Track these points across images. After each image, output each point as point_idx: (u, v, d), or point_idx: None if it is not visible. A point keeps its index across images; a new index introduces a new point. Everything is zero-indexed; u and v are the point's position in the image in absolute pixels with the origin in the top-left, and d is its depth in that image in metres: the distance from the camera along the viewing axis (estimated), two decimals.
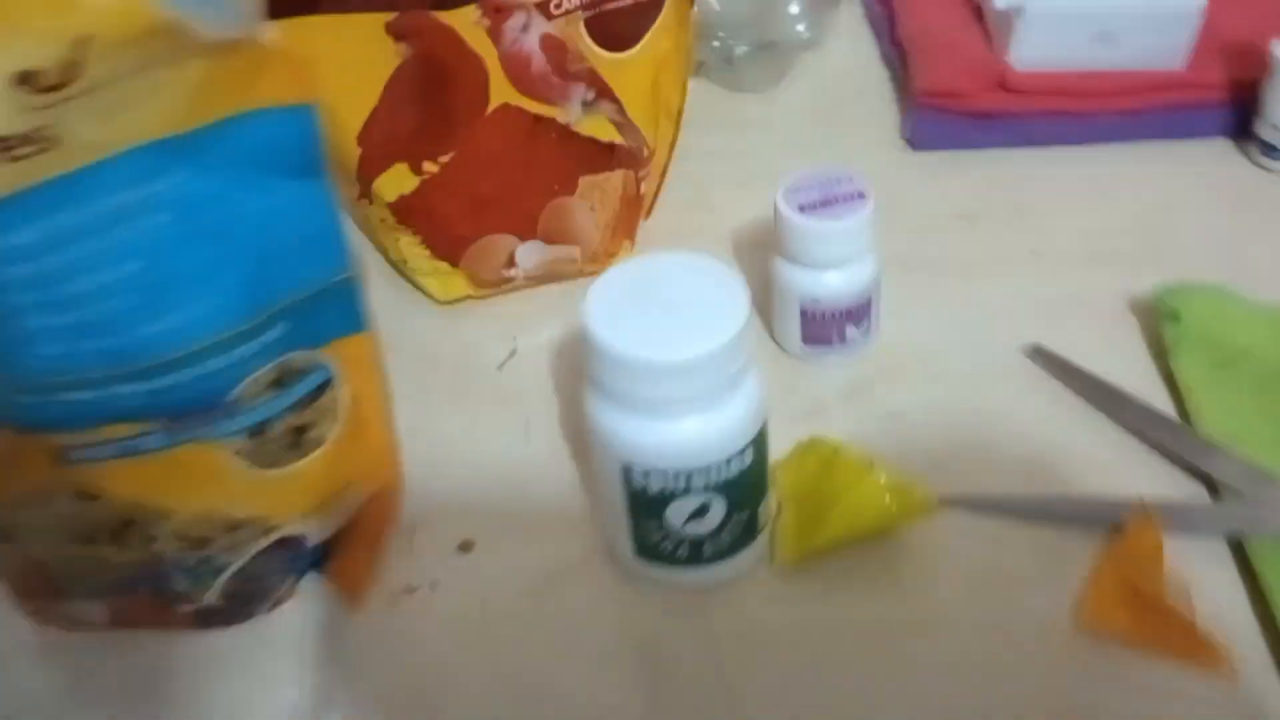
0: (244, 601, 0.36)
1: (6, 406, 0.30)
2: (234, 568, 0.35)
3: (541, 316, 0.46)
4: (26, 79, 0.24)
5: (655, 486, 0.33)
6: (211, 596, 0.35)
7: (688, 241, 0.46)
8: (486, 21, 0.41)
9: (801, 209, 0.40)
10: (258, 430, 0.32)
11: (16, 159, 0.25)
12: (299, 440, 0.33)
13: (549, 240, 0.46)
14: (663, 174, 0.50)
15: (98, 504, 0.32)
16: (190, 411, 0.30)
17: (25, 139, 0.25)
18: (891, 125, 0.54)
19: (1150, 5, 0.51)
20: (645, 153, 0.46)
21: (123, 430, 0.30)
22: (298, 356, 0.31)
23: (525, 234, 0.45)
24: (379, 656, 0.36)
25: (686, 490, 0.33)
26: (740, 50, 0.56)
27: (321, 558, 0.37)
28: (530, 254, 0.46)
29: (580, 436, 0.37)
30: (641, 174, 0.47)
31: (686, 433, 0.33)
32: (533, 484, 0.40)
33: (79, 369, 0.28)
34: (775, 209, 0.41)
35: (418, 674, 0.35)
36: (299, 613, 0.37)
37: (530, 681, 0.35)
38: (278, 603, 0.37)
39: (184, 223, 0.28)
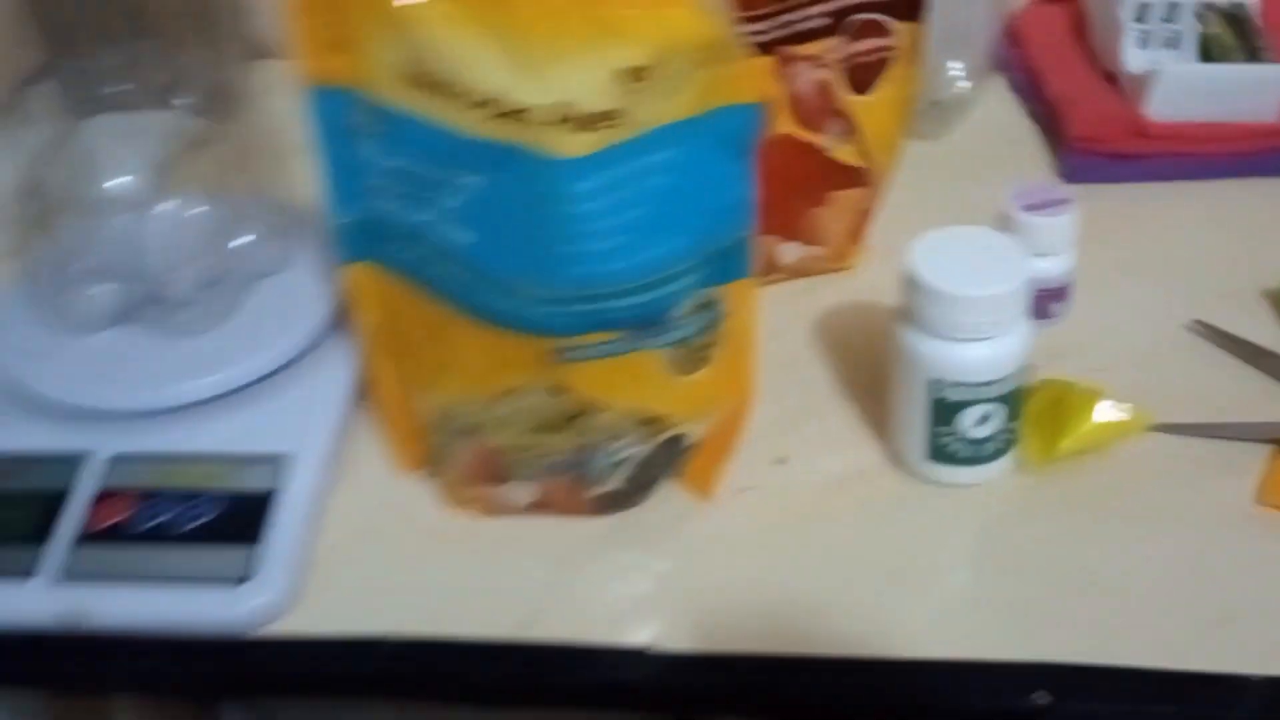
0: (637, 489, 0.47)
1: (525, 315, 0.41)
2: (639, 458, 0.46)
3: (799, 298, 0.58)
4: (625, 74, 0.36)
5: (953, 396, 0.45)
6: (616, 482, 0.47)
7: (904, 241, 0.58)
8: (779, 67, 0.54)
9: (1025, 209, 0.53)
10: (680, 343, 0.44)
11: (597, 129, 0.37)
12: (702, 356, 0.45)
13: (804, 241, 0.58)
14: (883, 193, 0.62)
15: (562, 398, 0.44)
16: (646, 324, 0.42)
17: (606, 115, 0.37)
18: (1044, 165, 0.67)
19: (1248, 71, 0.65)
20: (877, 175, 0.59)
21: (600, 337, 0.42)
22: (712, 291, 0.43)
23: (787, 236, 0.58)
24: (718, 545, 0.47)
25: (976, 400, 0.45)
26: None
27: (680, 458, 0.48)
28: (790, 252, 0.58)
29: (867, 369, 0.50)
30: (873, 192, 0.60)
31: (982, 353, 0.45)
32: (829, 411, 0.52)
33: (595, 286, 0.40)
34: (1003, 211, 0.53)
35: (750, 559, 0.47)
36: (657, 505, 0.49)
37: (840, 555, 0.46)
38: (650, 494, 0.48)
39: (677, 182, 0.40)
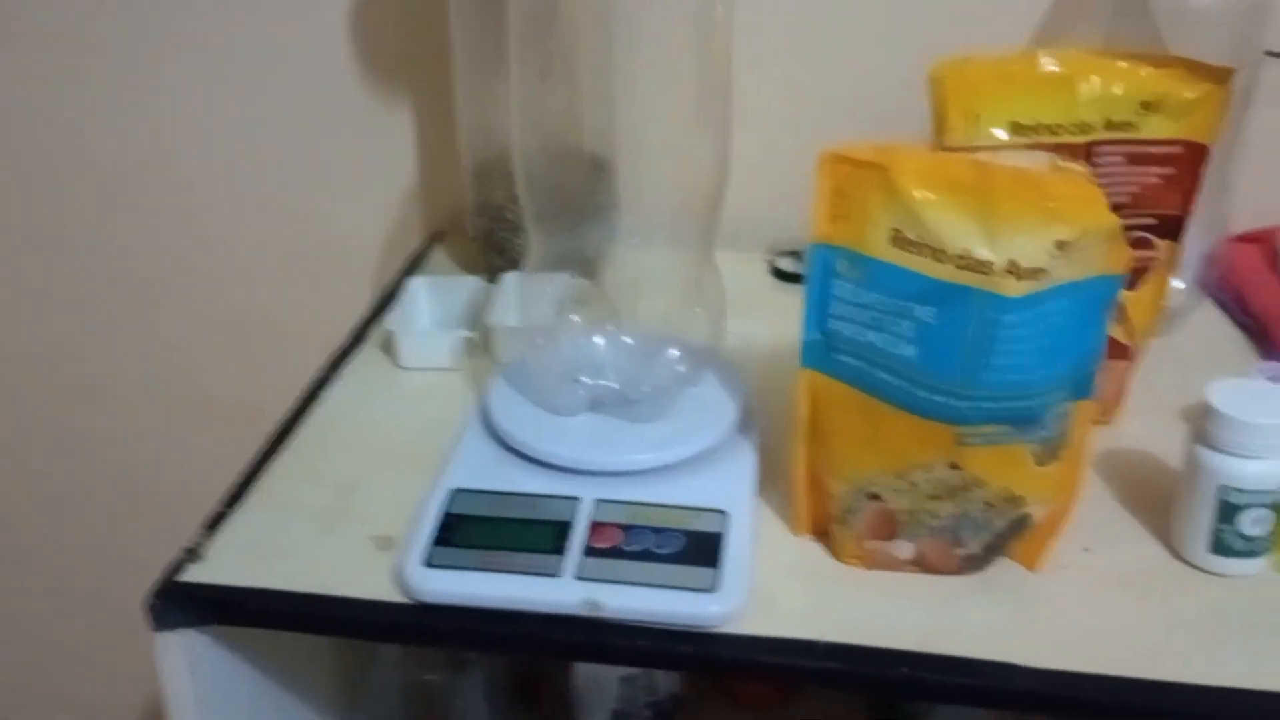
0: (988, 554, 0.64)
1: (943, 409, 0.59)
2: (997, 528, 0.63)
3: None
4: (1059, 245, 0.55)
5: (1239, 500, 0.62)
6: (977, 546, 0.63)
7: (1151, 406, 0.76)
8: None
9: (1270, 379, 0.70)
10: (1044, 441, 0.61)
11: (1029, 280, 0.56)
12: (1055, 454, 0.62)
13: None
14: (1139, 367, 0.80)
15: (958, 473, 0.61)
16: (1026, 423, 0.60)
17: (1037, 271, 0.56)
18: (1253, 361, 0.85)
19: None
20: (1136, 351, 0.77)
21: (993, 429, 0.60)
22: (1070, 405, 0.61)
23: None
24: (1048, 606, 0.63)
25: (1256, 504, 0.62)
26: None
27: (1023, 534, 0.64)
28: None
29: (1140, 492, 0.66)
30: (1133, 365, 0.77)
31: (1263, 467, 0.61)
32: (1117, 518, 0.68)
33: (1002, 390, 0.58)
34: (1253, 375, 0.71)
35: (1072, 619, 0.62)
36: (998, 573, 0.65)
37: (1142, 619, 0.62)
38: (996, 561, 0.65)
39: (1066, 323, 0.58)
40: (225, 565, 0.65)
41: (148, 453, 1.24)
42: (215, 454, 1.01)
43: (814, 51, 0.97)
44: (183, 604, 0.63)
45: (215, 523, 0.68)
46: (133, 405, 1.22)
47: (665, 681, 0.90)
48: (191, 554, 0.65)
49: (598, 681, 0.89)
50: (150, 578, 0.64)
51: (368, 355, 0.86)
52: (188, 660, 0.63)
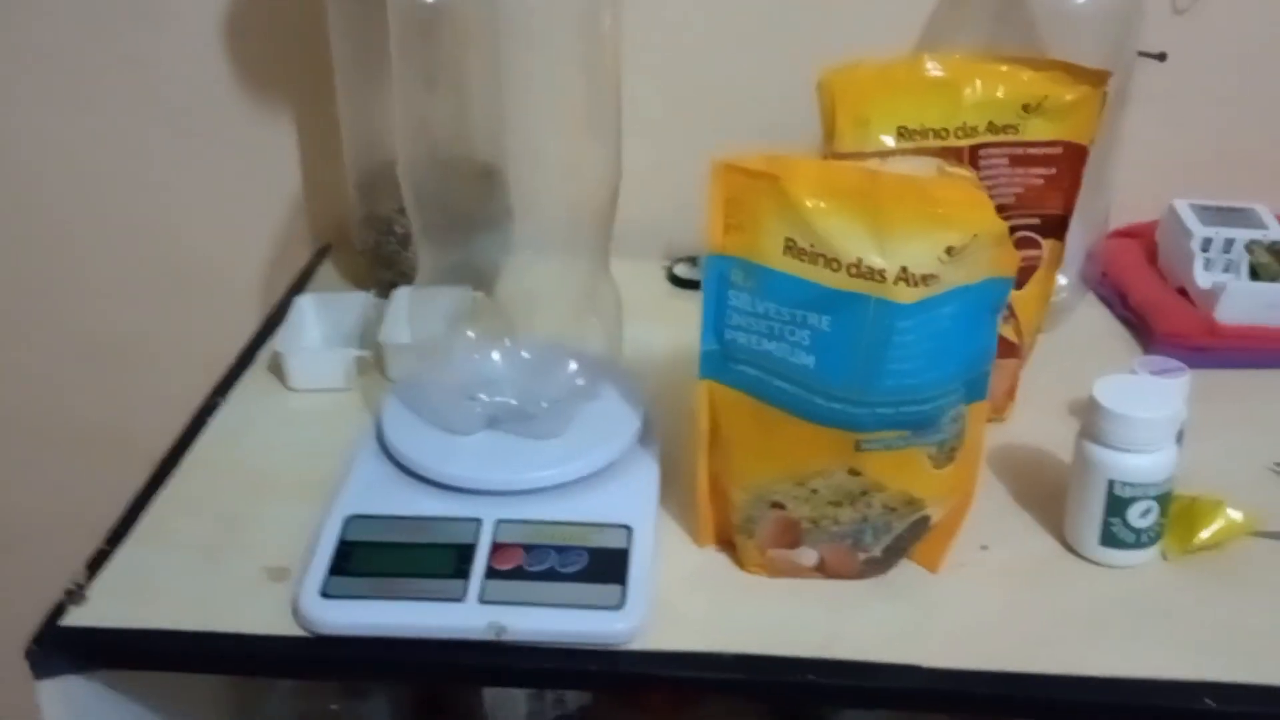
0: (889, 557, 0.64)
1: (840, 416, 0.59)
2: (897, 531, 0.63)
3: None
4: (949, 250, 0.56)
5: (1127, 494, 0.63)
6: (878, 550, 0.64)
7: (1041, 401, 0.78)
8: None
9: (1151, 374, 0.72)
10: (940, 444, 0.61)
11: (921, 286, 0.56)
12: (951, 456, 0.62)
13: None
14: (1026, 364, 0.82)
15: (857, 479, 0.61)
16: (922, 427, 0.60)
17: (928, 278, 0.56)
18: (1135, 354, 0.87)
19: None
20: (1025, 349, 0.79)
21: (891, 434, 0.60)
22: (963, 407, 0.62)
23: None
24: (947, 605, 0.64)
25: (1143, 497, 0.63)
26: None
27: (921, 535, 0.65)
28: None
29: (1033, 486, 0.67)
30: (1022, 362, 0.79)
31: (1149, 461, 0.63)
32: (1012, 515, 0.69)
33: (897, 395, 0.58)
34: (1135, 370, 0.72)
35: (971, 615, 0.63)
36: (898, 574, 0.65)
37: (1036, 613, 0.63)
38: (896, 564, 0.65)
39: (956, 327, 0.58)
40: (109, 606, 0.62)
41: (13, 483, 1.18)
42: (91, 486, 0.98)
43: (703, 59, 0.97)
44: (65, 649, 0.60)
45: (97, 561, 0.65)
46: None
47: (574, 695, 0.89)
48: (72, 596, 0.62)
49: (505, 700, 0.88)
50: (23, 621, 0.61)
51: (255, 378, 0.83)
52: (71, 708, 0.60)
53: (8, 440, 1.16)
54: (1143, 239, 0.97)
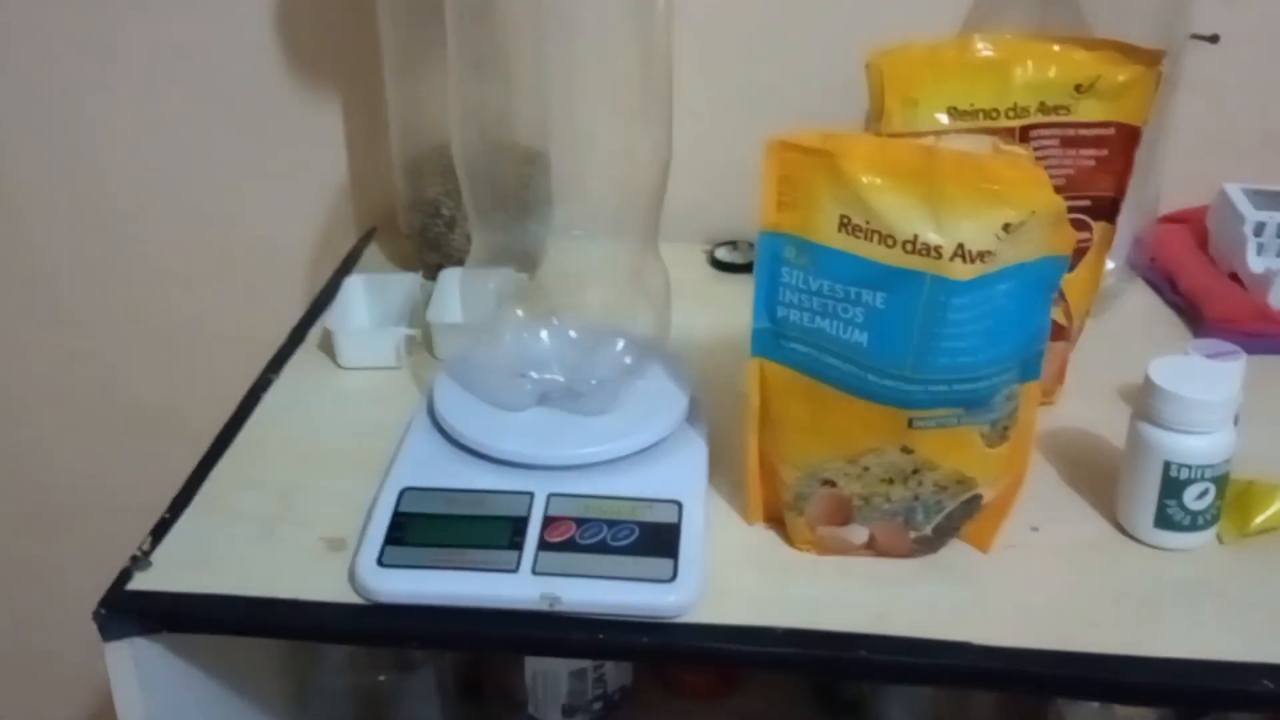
0: (940, 536, 0.64)
1: (893, 393, 0.59)
2: (949, 510, 0.63)
3: None
4: (1006, 227, 0.56)
5: (1183, 475, 0.63)
6: (928, 529, 0.64)
7: (1090, 385, 0.77)
8: None
9: (1206, 357, 0.72)
10: (994, 423, 0.61)
11: (977, 263, 0.56)
12: (1004, 435, 0.62)
13: None
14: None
15: (910, 456, 0.61)
16: (976, 405, 0.60)
17: (984, 254, 0.56)
18: (1185, 340, 0.86)
19: None
20: (1075, 332, 0.78)
21: (944, 412, 0.60)
22: (1016, 387, 0.62)
23: None
24: (999, 585, 0.64)
25: (1199, 479, 0.63)
26: None
27: (973, 515, 0.65)
28: None
29: (1083, 469, 0.67)
30: (1071, 345, 0.79)
31: (1206, 442, 0.63)
32: (1063, 497, 0.69)
33: (952, 372, 0.59)
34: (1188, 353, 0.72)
35: (1022, 596, 0.63)
36: (950, 553, 0.66)
37: (1088, 594, 0.63)
38: (947, 543, 0.65)
39: (1012, 305, 0.58)
40: (172, 572, 0.63)
41: (75, 463, 1.20)
42: (147, 464, 1.00)
43: (748, 43, 0.97)
44: (131, 613, 0.61)
45: (160, 529, 0.66)
46: (55, 415, 1.18)
47: (614, 675, 0.89)
48: (138, 561, 0.63)
49: (548, 677, 0.88)
50: (91, 588, 0.62)
51: (306, 356, 0.84)
52: (138, 669, 0.62)
53: (68, 422, 1.18)
54: (1192, 224, 0.96)
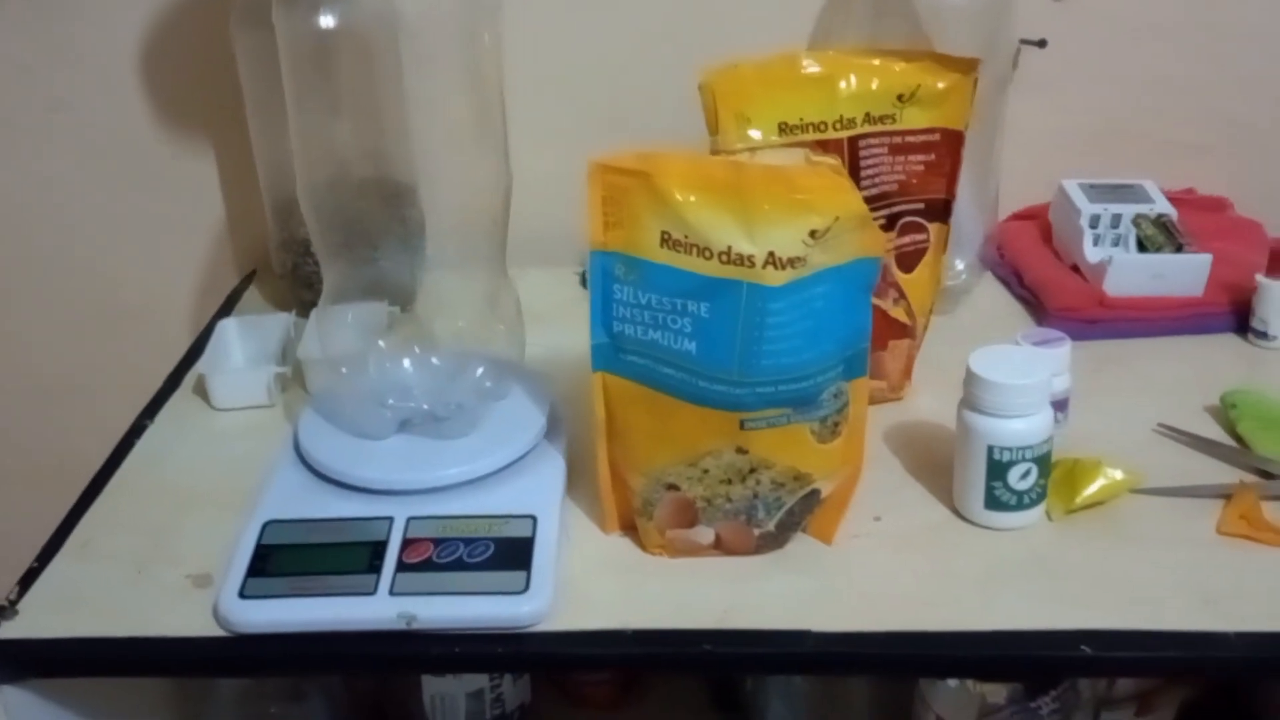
0: (784, 531, 0.67)
1: (724, 397, 0.62)
2: (788, 505, 0.66)
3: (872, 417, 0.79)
4: (813, 234, 0.59)
5: (1005, 458, 0.67)
6: (771, 525, 0.67)
7: (937, 380, 0.81)
8: None
9: (1033, 345, 0.76)
10: (823, 420, 0.65)
11: (789, 269, 0.60)
12: (835, 430, 0.66)
13: (874, 377, 0.80)
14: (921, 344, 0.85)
15: (745, 456, 0.64)
16: (803, 404, 0.63)
17: (795, 260, 0.60)
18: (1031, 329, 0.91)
19: (1175, 260, 0.90)
20: (918, 330, 0.82)
21: (774, 412, 0.63)
22: (843, 384, 0.65)
23: None
24: (843, 574, 0.67)
25: (1021, 460, 0.67)
26: None
27: (813, 509, 0.68)
28: None
29: (926, 459, 0.71)
30: (916, 343, 0.82)
31: (1024, 425, 0.66)
32: (904, 486, 0.73)
33: (776, 374, 0.62)
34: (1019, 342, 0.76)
35: (866, 584, 0.66)
36: (794, 548, 0.69)
37: (930, 575, 0.66)
38: (791, 538, 0.68)
39: (829, 306, 0.62)
40: (40, 618, 0.64)
41: None
42: (30, 517, 1.00)
43: (605, 71, 1.01)
44: None
45: (29, 578, 0.67)
46: None
47: (513, 693, 0.91)
48: (4, 611, 0.64)
49: (445, 699, 0.90)
50: None
51: (182, 400, 0.86)
52: (9, 718, 0.63)
53: None
54: (1039, 220, 1.01)
